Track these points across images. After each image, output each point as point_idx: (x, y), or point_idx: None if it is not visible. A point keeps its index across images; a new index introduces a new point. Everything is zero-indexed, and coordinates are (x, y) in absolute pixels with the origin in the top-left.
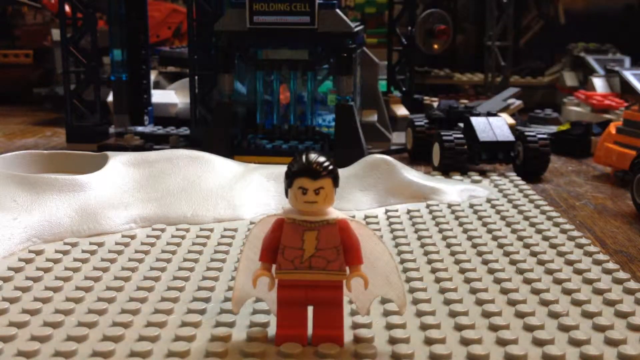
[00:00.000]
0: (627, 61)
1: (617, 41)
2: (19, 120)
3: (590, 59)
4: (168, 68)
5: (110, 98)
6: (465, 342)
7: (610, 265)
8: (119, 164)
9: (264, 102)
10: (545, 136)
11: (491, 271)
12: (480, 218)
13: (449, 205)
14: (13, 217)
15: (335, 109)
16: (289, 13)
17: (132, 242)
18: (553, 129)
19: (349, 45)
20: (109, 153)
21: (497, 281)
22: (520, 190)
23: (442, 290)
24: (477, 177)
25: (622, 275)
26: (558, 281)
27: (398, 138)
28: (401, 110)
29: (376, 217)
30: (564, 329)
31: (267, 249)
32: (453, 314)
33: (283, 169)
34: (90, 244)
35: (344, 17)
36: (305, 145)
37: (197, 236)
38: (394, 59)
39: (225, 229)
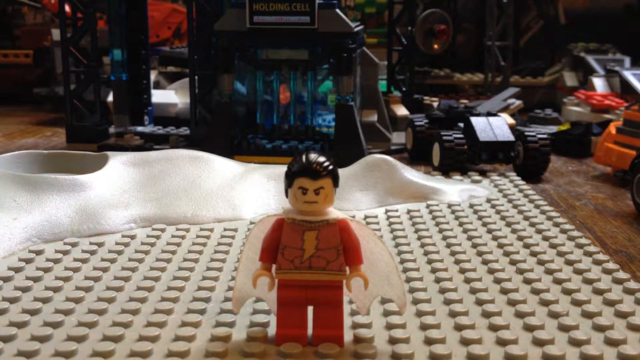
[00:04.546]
0: (627, 61)
1: (617, 41)
2: (19, 120)
3: (590, 59)
4: (168, 68)
5: (110, 98)
6: (465, 342)
7: (610, 265)
8: (119, 164)
9: (264, 102)
10: (545, 136)
11: (491, 271)
12: (480, 218)
13: (449, 205)
14: (13, 217)
15: (335, 109)
16: (288, 13)
17: (132, 242)
18: (553, 129)
19: (349, 45)
20: (109, 153)
21: (497, 281)
22: (520, 190)
23: (442, 290)
24: (477, 177)
25: (622, 275)
26: (558, 281)
27: (398, 138)
28: (401, 110)
29: (376, 217)
30: (564, 329)
31: (267, 249)
32: (453, 314)
33: (283, 169)
34: (90, 244)
35: (344, 17)
36: (305, 145)
37: (197, 236)
38: (394, 59)
39: (225, 229)
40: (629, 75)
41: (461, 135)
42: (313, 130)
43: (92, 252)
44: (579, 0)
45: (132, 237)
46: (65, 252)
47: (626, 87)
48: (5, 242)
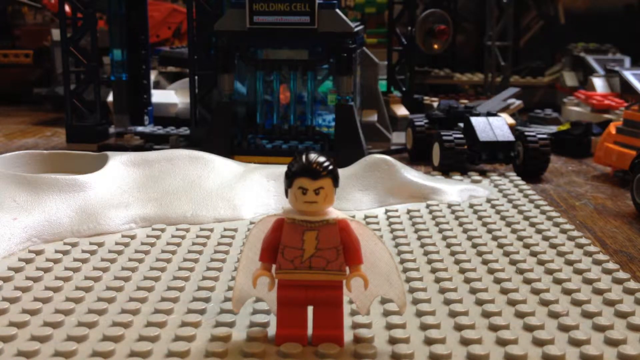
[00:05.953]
0: (627, 61)
1: (617, 41)
2: (19, 120)
3: (590, 59)
4: (168, 68)
5: (110, 98)
6: (465, 342)
7: (610, 265)
8: (119, 164)
9: (264, 102)
10: (545, 136)
11: (491, 271)
12: (480, 218)
13: (449, 205)
14: (13, 217)
15: (335, 109)
16: (288, 13)
17: (132, 242)
18: (553, 129)
19: (349, 45)
20: (109, 153)
21: (497, 281)
22: (520, 190)
23: (442, 290)
24: (477, 177)
25: (622, 275)
26: (558, 281)
27: (398, 138)
28: (401, 110)
29: (376, 217)
30: (564, 329)
31: (267, 249)
32: (453, 314)
33: (283, 169)
34: (90, 244)
35: (344, 17)
36: (305, 145)
37: (197, 236)
38: (394, 59)
39: (225, 229)
40: (629, 75)
41: (461, 135)
42: (313, 130)
43: (92, 252)
44: (578, 0)
45: (132, 237)
46: (65, 252)
47: (626, 87)
48: (5, 242)
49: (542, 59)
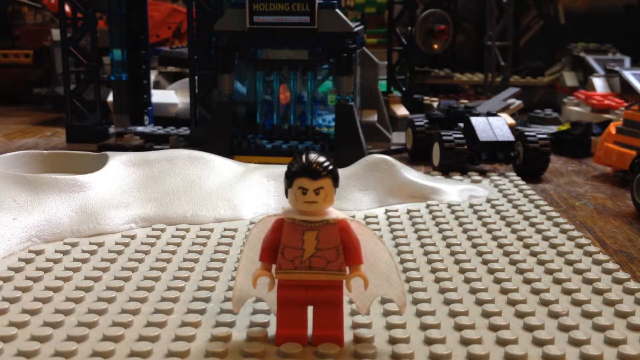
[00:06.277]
0: (627, 61)
1: (617, 41)
2: (19, 120)
3: (590, 59)
4: (168, 68)
5: (110, 98)
6: (465, 342)
7: (610, 265)
8: (119, 164)
9: (264, 102)
10: (545, 136)
11: (491, 271)
12: (480, 218)
13: (449, 205)
14: (13, 217)
15: (335, 109)
16: (288, 13)
17: (132, 242)
18: (553, 129)
19: (349, 45)
20: (109, 153)
21: (497, 281)
22: (520, 190)
23: (442, 290)
24: (477, 177)
25: (622, 275)
26: (558, 281)
27: (398, 138)
28: (401, 110)
29: (376, 217)
30: (564, 329)
31: (267, 249)
32: (453, 314)
33: (283, 169)
34: (90, 244)
35: (344, 17)
36: (305, 145)
37: (197, 236)
38: (394, 59)
39: (225, 229)
40: (629, 75)
41: (461, 135)
42: (313, 130)
43: (92, 252)
44: (578, 0)
45: (132, 237)
46: (65, 252)
47: (626, 87)
48: (5, 242)
49: (542, 59)
